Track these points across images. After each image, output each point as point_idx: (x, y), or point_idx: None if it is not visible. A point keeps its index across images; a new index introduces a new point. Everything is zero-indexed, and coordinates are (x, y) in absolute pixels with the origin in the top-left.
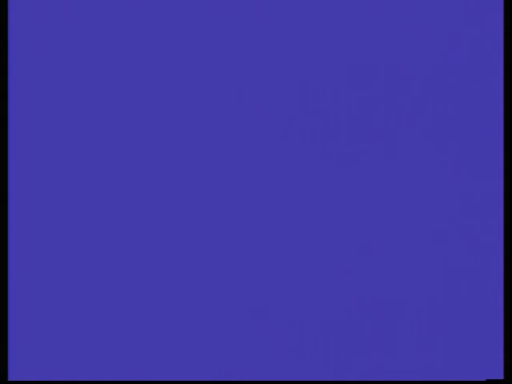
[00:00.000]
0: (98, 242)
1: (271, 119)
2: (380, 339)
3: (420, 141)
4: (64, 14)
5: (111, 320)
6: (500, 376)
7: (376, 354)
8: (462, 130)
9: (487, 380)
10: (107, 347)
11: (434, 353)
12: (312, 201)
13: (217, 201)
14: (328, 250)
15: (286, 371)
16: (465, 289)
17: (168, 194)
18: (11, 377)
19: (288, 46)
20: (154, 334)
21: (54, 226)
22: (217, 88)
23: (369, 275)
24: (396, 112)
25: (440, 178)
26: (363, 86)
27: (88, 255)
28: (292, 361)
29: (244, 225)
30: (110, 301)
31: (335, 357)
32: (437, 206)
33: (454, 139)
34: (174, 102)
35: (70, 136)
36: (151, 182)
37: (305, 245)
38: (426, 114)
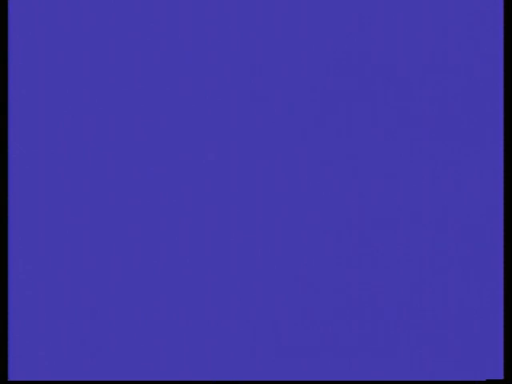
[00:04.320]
0: (98, 243)
1: (270, 119)
2: (380, 339)
3: (419, 141)
4: (64, 13)
5: (111, 320)
6: (500, 376)
7: (376, 353)
8: (462, 130)
9: (487, 380)
10: (107, 347)
11: (435, 353)
12: (311, 202)
13: (216, 201)
14: (329, 250)
15: (286, 371)
16: (465, 289)
17: (166, 195)
18: (11, 377)
19: (288, 47)
20: (153, 333)
21: (54, 226)
22: (216, 88)
23: (368, 275)
24: (396, 112)
25: (439, 179)
26: (363, 86)
27: (88, 255)
28: (292, 361)
29: (243, 225)
30: (109, 301)
31: (335, 357)
32: (437, 206)
33: (453, 139)
34: (173, 101)
35: (70, 136)
36: (150, 182)
37: (305, 245)
38: (426, 114)
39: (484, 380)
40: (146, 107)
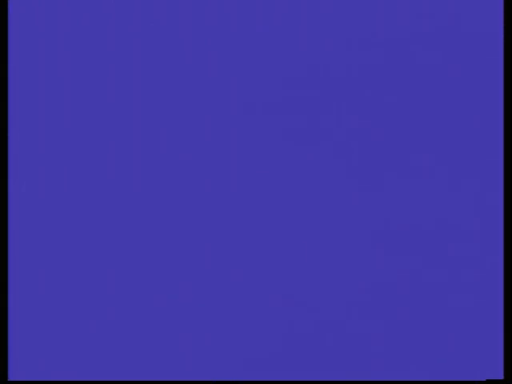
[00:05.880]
0: (98, 243)
1: (269, 119)
2: (380, 339)
3: (419, 141)
4: (64, 13)
5: (111, 320)
6: (500, 376)
7: (376, 354)
8: (462, 130)
9: (487, 380)
10: (107, 347)
11: (434, 353)
12: (310, 204)
13: (215, 201)
14: (330, 249)
15: (286, 371)
16: (465, 289)
17: (164, 193)
18: (11, 377)
19: (287, 48)
20: (153, 334)
21: (54, 226)
22: (215, 88)
23: (369, 275)
24: (395, 112)
25: (439, 179)
26: (362, 86)
27: (88, 256)
28: (291, 361)
29: (242, 225)
30: (109, 301)
31: (335, 357)
32: (437, 207)
33: (453, 139)
34: (172, 100)
35: (70, 137)
36: (148, 181)
37: (305, 245)
38: (426, 114)
39: (484, 380)
40: (144, 107)
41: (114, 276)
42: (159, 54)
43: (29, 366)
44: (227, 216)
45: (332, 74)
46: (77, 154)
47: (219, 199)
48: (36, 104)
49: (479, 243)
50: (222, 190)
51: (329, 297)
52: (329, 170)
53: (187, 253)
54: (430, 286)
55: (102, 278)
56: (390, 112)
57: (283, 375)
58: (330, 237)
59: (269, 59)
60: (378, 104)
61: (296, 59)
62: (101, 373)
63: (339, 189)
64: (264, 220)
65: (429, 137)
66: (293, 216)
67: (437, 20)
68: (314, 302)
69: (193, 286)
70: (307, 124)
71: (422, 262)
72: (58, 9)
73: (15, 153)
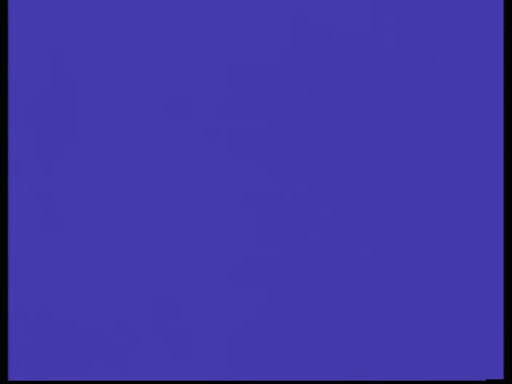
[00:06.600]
0: (98, 243)
1: (266, 118)
2: (380, 339)
3: (419, 141)
4: (64, 13)
5: (111, 320)
6: (500, 376)
7: (376, 353)
8: (462, 131)
9: (487, 380)
10: (107, 347)
11: (434, 353)
12: (309, 203)
13: (212, 200)
14: (329, 247)
15: (286, 371)
16: (465, 288)
17: (163, 191)
18: (11, 377)
19: (286, 48)
20: (153, 333)
21: (54, 225)
22: (214, 87)
23: (368, 274)
24: (395, 112)
25: (439, 178)
26: (362, 87)
27: (88, 255)
28: (292, 361)
29: (240, 224)
30: (109, 301)
31: (335, 357)
32: (437, 206)
33: (453, 139)
34: (172, 101)
35: (70, 137)
36: (147, 178)
37: (305, 245)
38: (425, 114)
39: (484, 380)
40: (144, 108)
41: (114, 276)
42: (159, 54)
43: (29, 366)
44: (225, 215)
45: (331, 74)
46: (76, 153)
47: (217, 197)
48: (36, 104)
49: (479, 243)
50: (220, 188)
51: (329, 297)
52: (328, 170)
53: (187, 252)
54: (430, 286)
55: (102, 278)
56: (390, 112)
57: (283, 375)
58: (330, 236)
59: (267, 58)
60: (378, 104)
61: (294, 58)
62: (101, 373)
63: (338, 188)
64: (263, 219)
65: (428, 137)
66: (292, 215)
67: (437, 20)
68: (314, 301)
69: (192, 285)
70: (305, 124)
71: (422, 262)
72: (58, 9)
73: (15, 153)
